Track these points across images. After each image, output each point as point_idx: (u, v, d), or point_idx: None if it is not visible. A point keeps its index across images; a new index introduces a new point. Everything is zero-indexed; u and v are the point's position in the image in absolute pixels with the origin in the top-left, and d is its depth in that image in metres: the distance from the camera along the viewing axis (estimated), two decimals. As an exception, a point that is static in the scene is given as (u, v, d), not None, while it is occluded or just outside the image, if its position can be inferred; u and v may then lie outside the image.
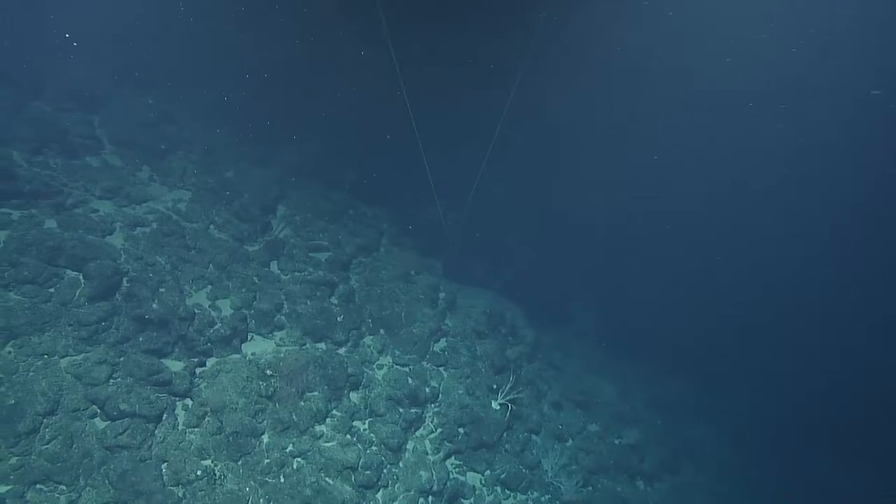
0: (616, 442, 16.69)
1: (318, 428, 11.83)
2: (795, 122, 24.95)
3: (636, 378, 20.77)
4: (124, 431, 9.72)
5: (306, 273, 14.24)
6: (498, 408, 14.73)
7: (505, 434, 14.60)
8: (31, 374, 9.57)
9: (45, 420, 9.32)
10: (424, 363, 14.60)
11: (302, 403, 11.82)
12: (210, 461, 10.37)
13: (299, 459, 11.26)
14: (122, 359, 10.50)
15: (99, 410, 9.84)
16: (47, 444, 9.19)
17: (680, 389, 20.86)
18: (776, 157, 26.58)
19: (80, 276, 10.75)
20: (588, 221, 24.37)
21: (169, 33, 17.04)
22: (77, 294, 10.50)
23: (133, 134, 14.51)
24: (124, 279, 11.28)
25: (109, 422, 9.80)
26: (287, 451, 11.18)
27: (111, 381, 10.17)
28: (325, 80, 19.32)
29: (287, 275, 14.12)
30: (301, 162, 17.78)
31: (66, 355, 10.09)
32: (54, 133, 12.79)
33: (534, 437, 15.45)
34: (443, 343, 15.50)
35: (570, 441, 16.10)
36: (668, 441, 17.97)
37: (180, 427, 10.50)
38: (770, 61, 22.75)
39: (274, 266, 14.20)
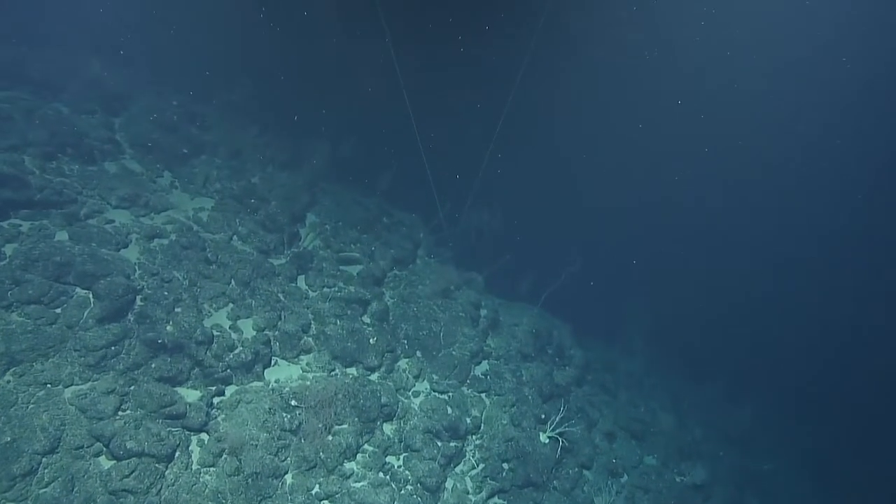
0: (677, 479, 14.88)
1: (347, 466, 10.56)
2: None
3: (693, 404, 18.81)
4: (131, 473, 8.61)
5: (336, 289, 13.00)
6: (547, 441, 13.19)
7: (553, 469, 13.08)
8: (31, 406, 8.57)
9: (44, 459, 8.29)
10: (465, 389, 13.19)
11: (330, 438, 10.57)
12: (227, 506, 9.21)
13: (326, 503, 10.00)
14: (132, 388, 9.43)
15: (104, 448, 8.77)
16: (46, 487, 8.16)
17: (743, 418, 18.78)
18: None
19: (90, 295, 9.74)
20: (637, 229, 22.64)
21: (195, 32, 16.16)
22: (85, 315, 9.49)
23: (155, 137, 13.53)
24: (138, 298, 10.23)
25: (115, 462, 8.73)
26: (313, 493, 9.94)
27: (119, 413, 9.11)
28: (356, 80, 18.33)
29: (315, 291, 12.91)
30: (332, 166, 16.62)
31: (71, 384, 9.07)
32: (71, 137, 11.90)
33: (585, 472, 13.85)
34: (485, 366, 14.05)
35: (626, 477, 14.42)
36: (734, 477, 16.05)
37: (194, 467, 9.36)
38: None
39: (301, 281, 13.02)
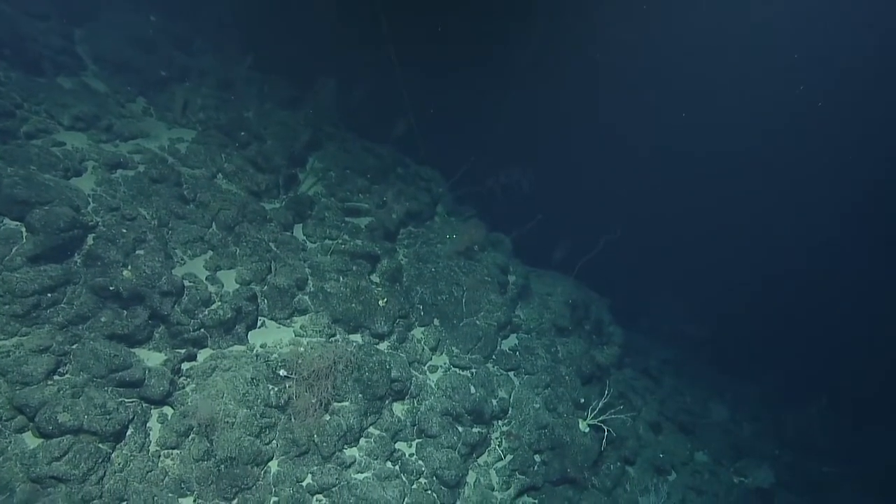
0: (735, 480, 12.70)
1: (347, 453, 8.47)
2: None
3: (737, 397, 16.50)
4: (63, 455, 6.53)
5: (340, 241, 10.81)
6: (587, 430, 11.02)
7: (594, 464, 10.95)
8: (-69, 364, 6.51)
9: (-56, 435, 6.24)
10: (490, 366, 11.02)
11: (327, 418, 8.46)
12: (192, 500, 7.15)
13: (320, 497, 7.93)
14: (74, 346, 7.34)
15: (29, 423, 6.69)
16: (-56, 471, 6.12)
17: (800, 416, 16.42)
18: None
19: (22, 227, 7.61)
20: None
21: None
22: (13, 252, 7.36)
23: (126, 55, 11.33)
24: (89, 236, 8.09)
25: (43, 440, 6.65)
26: (303, 484, 7.87)
27: (53, 378, 7.02)
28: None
29: (315, 242, 10.74)
30: (341, 108, 14.36)
31: (-9, 339, 7.00)
32: (9, 38, 9.67)
33: (628, 468, 11.72)
34: (513, 340, 11.88)
35: (674, 475, 12.28)
36: (797, 481, 13.80)
37: (152, 448, 7.28)
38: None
39: (298, 231, 10.85)
